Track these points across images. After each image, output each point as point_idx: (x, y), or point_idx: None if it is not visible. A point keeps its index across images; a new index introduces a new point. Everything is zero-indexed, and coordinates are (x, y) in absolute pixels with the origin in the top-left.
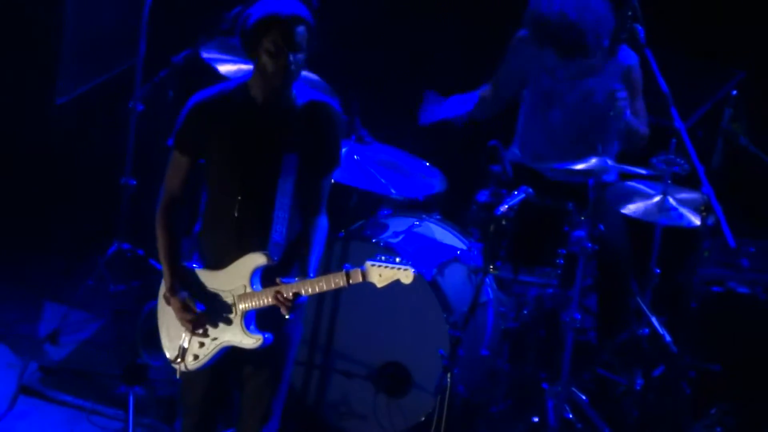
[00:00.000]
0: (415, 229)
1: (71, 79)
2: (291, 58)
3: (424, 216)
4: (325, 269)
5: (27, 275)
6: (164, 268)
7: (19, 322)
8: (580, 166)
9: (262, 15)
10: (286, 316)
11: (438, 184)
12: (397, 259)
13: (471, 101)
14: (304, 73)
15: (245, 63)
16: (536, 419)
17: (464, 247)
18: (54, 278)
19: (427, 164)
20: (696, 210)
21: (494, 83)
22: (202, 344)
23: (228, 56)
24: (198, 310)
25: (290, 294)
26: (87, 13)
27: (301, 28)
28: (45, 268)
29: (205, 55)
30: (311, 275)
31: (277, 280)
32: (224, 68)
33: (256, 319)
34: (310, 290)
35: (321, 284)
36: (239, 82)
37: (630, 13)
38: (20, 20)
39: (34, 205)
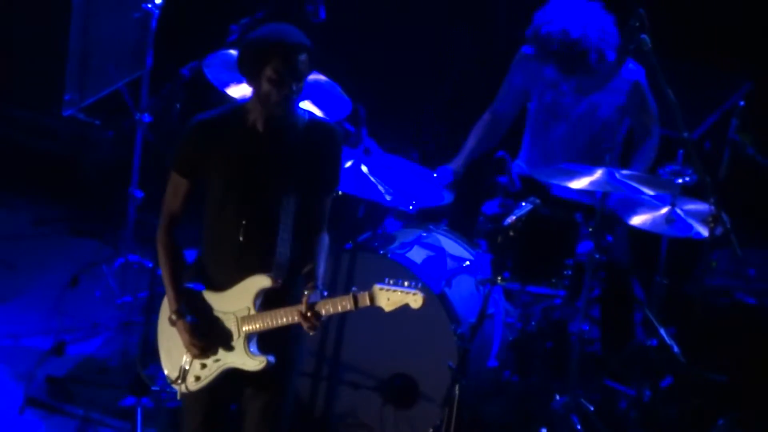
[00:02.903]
0: (423, 241)
1: (78, 91)
2: (294, 87)
3: (431, 227)
4: (332, 282)
5: (34, 286)
6: (168, 291)
7: (26, 334)
8: (582, 184)
9: (265, 42)
10: (311, 333)
11: (445, 195)
12: (406, 283)
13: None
14: (313, 77)
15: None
16: (544, 430)
17: (472, 259)
18: (61, 289)
19: (435, 175)
20: (703, 221)
21: (494, 110)
22: (204, 365)
23: (233, 74)
24: (204, 334)
25: (307, 313)
26: (94, 25)
27: (303, 56)
28: (52, 279)
29: (210, 75)
30: (321, 289)
31: (303, 299)
32: (231, 89)
33: (258, 342)
34: (318, 312)
35: (328, 307)
36: (238, 105)
37: (637, 24)
38: (26, 32)
39: (41, 215)
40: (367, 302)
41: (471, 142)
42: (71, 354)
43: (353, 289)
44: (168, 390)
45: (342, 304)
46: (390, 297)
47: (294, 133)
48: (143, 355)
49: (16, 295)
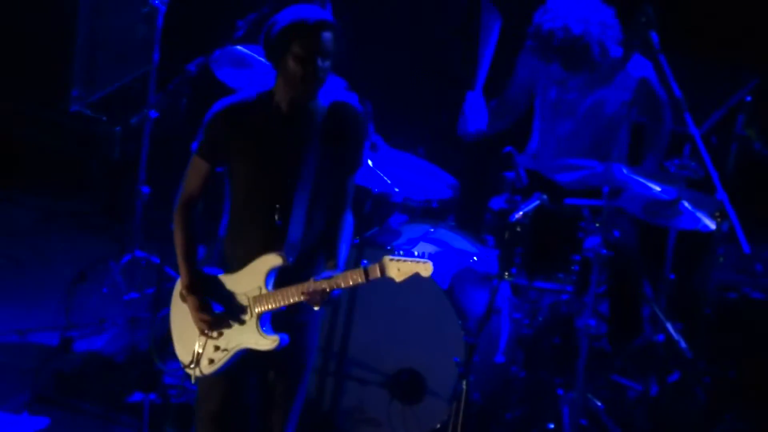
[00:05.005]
0: (430, 236)
1: (85, 86)
2: (320, 63)
3: (438, 223)
4: None
5: (41, 283)
6: (181, 267)
7: (33, 330)
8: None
9: (291, 20)
10: (316, 308)
11: (452, 190)
12: (415, 252)
13: (484, 119)
14: None
15: (255, 77)
16: (551, 426)
17: (479, 254)
18: (68, 285)
19: (441, 170)
20: (711, 215)
21: (503, 97)
22: (217, 348)
23: (239, 70)
24: (214, 311)
25: (311, 289)
26: (101, 21)
27: (328, 34)
28: (59, 275)
29: (217, 71)
30: (341, 269)
31: (311, 279)
32: (236, 86)
33: (272, 322)
34: (327, 287)
35: (338, 281)
36: (262, 90)
37: (643, 20)
38: (34, 29)
39: (47, 211)
40: (378, 274)
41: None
42: (78, 350)
43: (363, 263)
44: (176, 385)
45: (353, 278)
46: (400, 267)
47: (318, 114)
48: (153, 351)
49: (23, 291)
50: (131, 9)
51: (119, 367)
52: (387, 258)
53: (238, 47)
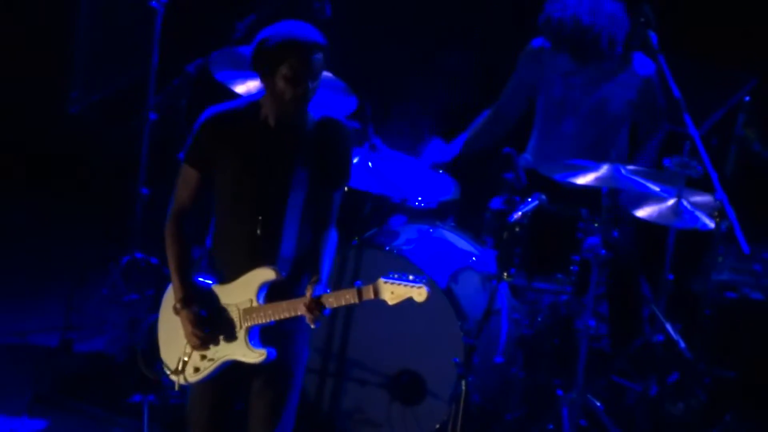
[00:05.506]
0: (429, 237)
1: (84, 88)
2: (309, 85)
3: (437, 223)
4: (339, 278)
5: (41, 284)
6: (174, 280)
7: (34, 331)
8: (589, 178)
9: (281, 40)
10: (312, 326)
11: (451, 191)
12: (411, 277)
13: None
14: None
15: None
16: (551, 427)
17: (478, 254)
18: (68, 287)
19: (441, 171)
20: (710, 215)
21: (498, 104)
22: (203, 357)
23: (239, 72)
24: (207, 325)
25: (306, 307)
26: (100, 23)
27: (319, 56)
28: (59, 277)
29: (217, 73)
30: (325, 287)
31: (307, 291)
32: (238, 87)
33: (260, 335)
34: (318, 306)
35: (331, 300)
36: (251, 100)
37: (642, 20)
38: (34, 30)
39: (47, 213)
40: (371, 295)
41: (468, 132)
42: (78, 351)
43: (357, 283)
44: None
45: (345, 298)
46: (394, 290)
47: (305, 130)
48: (149, 353)
49: (24, 292)
50: (130, 10)
51: (119, 368)
52: (381, 280)
53: (237, 49)
